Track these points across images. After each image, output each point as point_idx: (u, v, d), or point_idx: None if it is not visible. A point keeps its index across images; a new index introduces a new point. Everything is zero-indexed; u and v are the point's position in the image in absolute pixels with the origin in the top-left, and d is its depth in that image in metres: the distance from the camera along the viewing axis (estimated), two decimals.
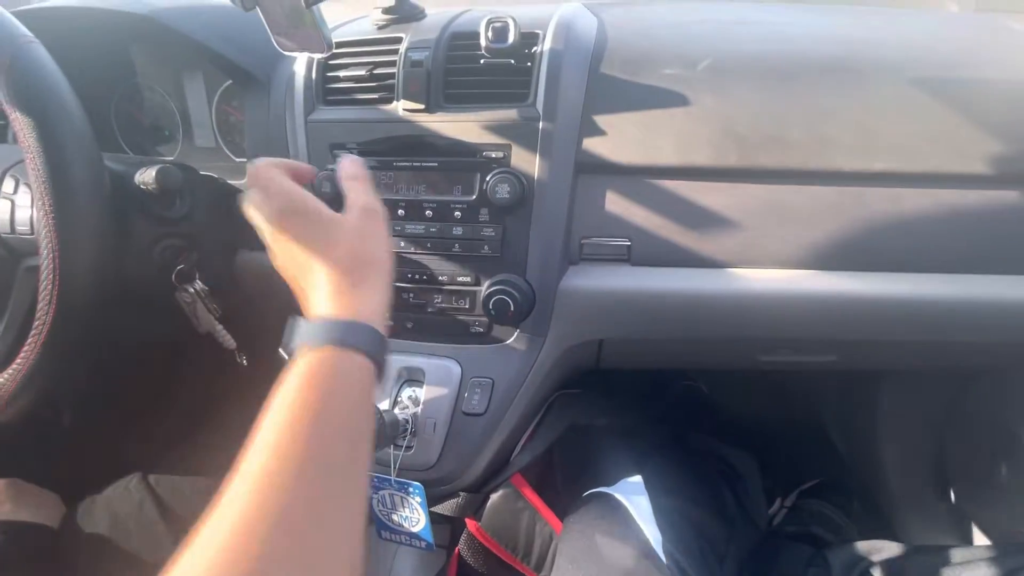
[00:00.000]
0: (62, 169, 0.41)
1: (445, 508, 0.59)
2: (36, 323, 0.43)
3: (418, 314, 0.58)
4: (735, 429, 0.87)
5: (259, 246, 0.66)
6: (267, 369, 0.72)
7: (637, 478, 0.55)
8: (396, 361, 0.58)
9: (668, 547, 0.47)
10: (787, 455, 0.95)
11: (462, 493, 0.59)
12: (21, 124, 0.40)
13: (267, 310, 0.69)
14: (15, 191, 0.47)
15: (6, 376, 0.45)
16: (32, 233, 0.47)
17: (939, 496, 0.82)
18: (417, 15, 0.59)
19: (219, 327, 0.63)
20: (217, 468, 0.59)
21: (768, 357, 0.64)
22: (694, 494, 0.60)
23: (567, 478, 0.61)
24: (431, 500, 0.58)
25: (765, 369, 0.69)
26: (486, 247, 0.54)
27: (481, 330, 0.57)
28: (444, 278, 0.56)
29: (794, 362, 0.67)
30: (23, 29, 0.43)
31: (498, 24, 0.51)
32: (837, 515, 0.83)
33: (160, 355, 0.90)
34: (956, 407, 0.81)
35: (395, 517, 0.59)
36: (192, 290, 0.59)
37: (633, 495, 0.53)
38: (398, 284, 0.57)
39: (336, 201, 0.55)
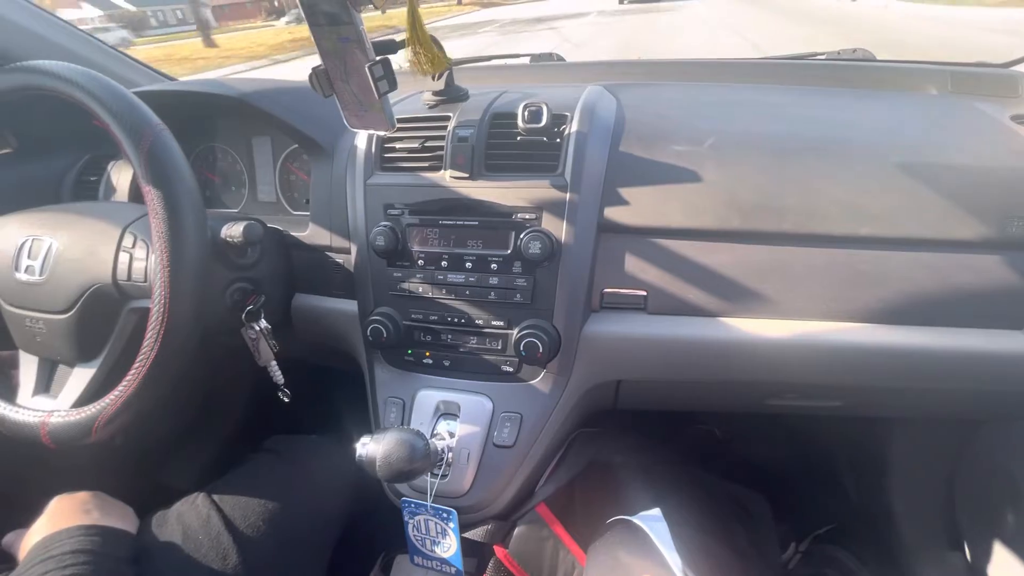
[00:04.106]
0: (180, 233, 0.50)
1: (475, 535, 0.64)
2: (140, 356, 0.51)
3: (455, 353, 0.65)
4: (748, 472, 0.90)
5: (312, 290, 0.75)
6: (307, 404, 0.79)
7: (656, 510, 0.59)
8: (434, 396, 0.65)
9: (687, 571, 0.51)
10: (801, 500, 0.97)
11: (491, 520, 0.64)
12: (153, 195, 0.49)
13: (316, 347, 0.77)
14: (133, 245, 0.56)
15: (108, 400, 0.52)
16: (144, 281, 0.55)
17: (950, 543, 0.83)
18: (463, 97, 0.69)
19: (274, 363, 0.70)
20: (266, 487, 0.65)
21: (775, 401, 0.69)
22: (708, 529, 0.64)
23: (588, 510, 0.66)
24: (462, 527, 0.62)
25: (772, 412, 0.73)
26: (518, 295, 0.61)
27: (511, 369, 0.63)
28: (480, 322, 0.63)
29: (800, 406, 0.72)
30: (155, 117, 0.53)
31: (533, 107, 0.60)
32: (850, 560, 0.85)
33: (209, 385, 0.97)
34: (963, 455, 0.83)
35: (428, 542, 0.64)
36: (257, 328, 0.66)
37: (653, 522, 0.57)
38: (439, 326, 0.64)
39: (387, 253, 0.64)
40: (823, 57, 0.92)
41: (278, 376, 0.70)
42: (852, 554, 0.87)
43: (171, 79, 0.96)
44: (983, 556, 0.77)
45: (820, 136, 0.63)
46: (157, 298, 0.50)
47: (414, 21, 0.56)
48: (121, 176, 0.83)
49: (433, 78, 0.68)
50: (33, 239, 0.60)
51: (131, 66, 0.93)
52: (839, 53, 0.92)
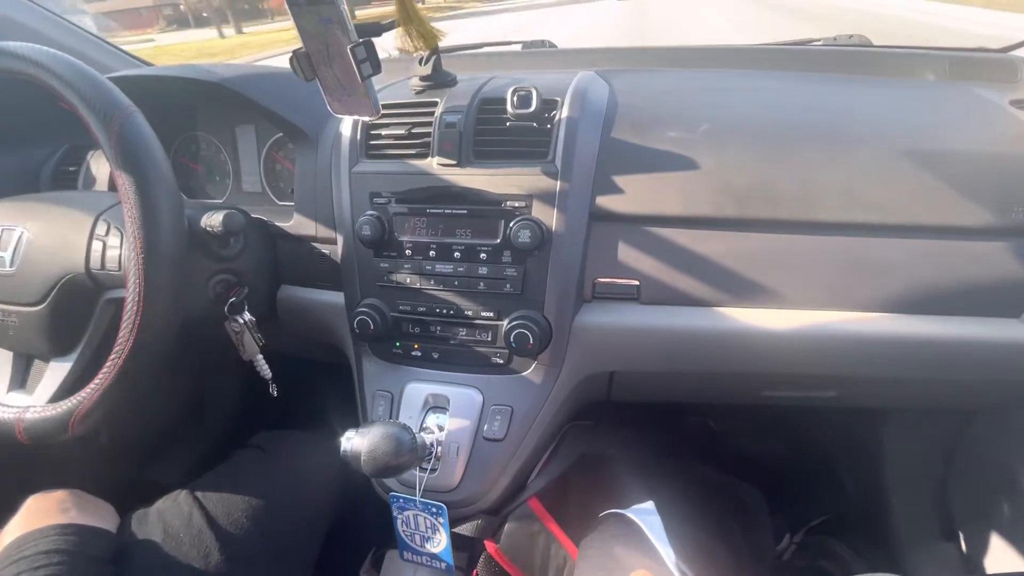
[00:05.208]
0: (154, 219, 0.48)
1: (465, 530, 0.63)
2: (116, 348, 0.49)
3: (444, 345, 0.63)
4: (743, 464, 0.89)
5: (298, 282, 0.73)
6: (293, 398, 0.78)
7: (649, 503, 0.58)
8: (423, 389, 0.63)
9: (680, 565, 0.50)
10: (796, 491, 0.97)
11: (481, 515, 0.62)
12: (124, 180, 0.47)
13: (302, 340, 0.75)
14: (107, 233, 0.54)
15: (83, 395, 0.51)
16: (119, 270, 0.53)
17: (945, 533, 0.83)
18: (450, 82, 0.67)
19: (260, 356, 0.68)
20: (250, 484, 0.64)
21: (770, 392, 0.68)
22: (702, 522, 0.63)
23: (581, 504, 0.65)
24: (452, 522, 0.61)
25: (768, 404, 0.73)
26: (508, 286, 0.60)
27: (501, 361, 0.62)
28: (469, 313, 0.61)
29: (796, 397, 0.71)
30: (126, 99, 0.51)
31: (523, 92, 0.58)
32: (845, 551, 0.85)
33: (195, 380, 0.96)
34: (958, 445, 0.83)
35: (417, 538, 0.63)
36: (241, 321, 0.65)
37: (646, 516, 0.56)
38: (427, 318, 0.63)
39: (373, 243, 0.62)
40: (820, 43, 0.90)
41: (265, 370, 0.69)
42: (847, 545, 0.87)
43: (150, 66, 0.94)
44: (978, 546, 0.77)
45: (816, 123, 0.62)
46: (131, 287, 0.48)
47: None
48: (100, 166, 0.81)
49: (420, 63, 0.67)
50: (3, 229, 0.57)
51: (109, 52, 0.90)
52: (836, 39, 0.90)
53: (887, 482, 0.88)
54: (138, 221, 0.47)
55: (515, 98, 0.58)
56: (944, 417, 0.83)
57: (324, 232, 0.68)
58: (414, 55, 0.66)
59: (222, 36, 18.28)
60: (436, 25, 0.66)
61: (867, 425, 0.91)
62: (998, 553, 0.74)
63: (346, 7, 0.50)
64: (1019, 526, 0.71)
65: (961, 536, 0.81)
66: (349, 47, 0.51)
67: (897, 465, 0.88)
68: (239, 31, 20.26)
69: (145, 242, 0.47)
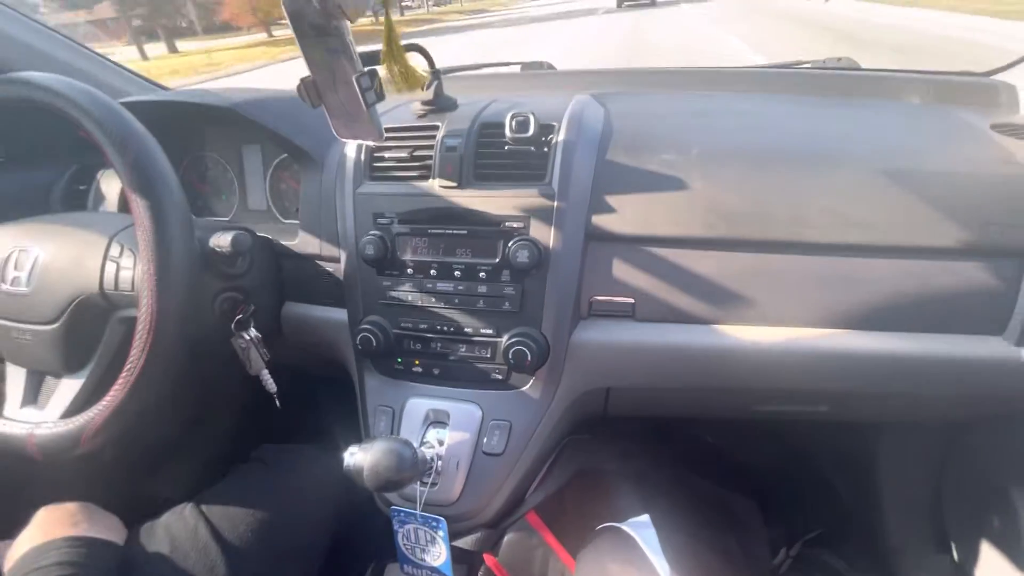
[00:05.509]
0: (167, 242, 0.50)
1: (464, 543, 0.64)
2: (128, 365, 0.51)
3: (444, 362, 0.65)
4: (739, 477, 0.90)
5: (302, 299, 0.75)
6: (299, 413, 0.79)
7: (645, 516, 0.60)
8: (424, 404, 0.65)
9: None
10: (791, 505, 0.98)
11: (480, 529, 0.64)
12: (139, 205, 0.49)
13: (306, 355, 0.77)
14: (120, 255, 0.56)
15: (95, 411, 0.52)
16: (132, 290, 0.55)
17: (939, 547, 0.84)
18: (451, 106, 0.69)
19: (265, 372, 0.70)
20: (254, 497, 0.65)
21: (761, 407, 0.70)
22: (698, 536, 0.64)
23: (578, 517, 0.66)
24: (452, 535, 0.62)
25: (760, 418, 0.74)
26: (507, 303, 0.61)
27: (500, 377, 0.63)
28: (469, 330, 0.63)
29: (787, 412, 0.72)
30: (141, 127, 0.53)
31: (521, 117, 0.61)
32: (841, 565, 0.86)
33: (201, 395, 0.97)
34: (950, 458, 0.84)
35: (418, 551, 0.64)
36: (248, 337, 0.66)
37: (642, 529, 0.57)
38: (428, 335, 0.65)
39: (376, 262, 0.64)
40: (808, 66, 0.93)
41: (270, 385, 0.70)
42: (842, 558, 0.88)
43: (164, 88, 0.97)
44: (970, 558, 0.77)
45: (805, 145, 0.64)
46: (143, 307, 0.50)
47: (390, 36, 0.57)
48: (110, 186, 0.83)
49: (422, 88, 0.69)
50: (19, 250, 0.59)
51: (122, 75, 0.93)
52: (824, 62, 0.93)
53: (881, 495, 0.89)
54: (152, 244, 0.49)
55: (513, 123, 0.60)
56: (936, 431, 0.85)
57: (328, 251, 0.70)
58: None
59: (144, 58, 16.85)
60: (419, 41, 0.69)
61: (861, 439, 0.93)
62: (991, 564, 0.75)
63: (352, 39, 0.52)
64: (1011, 538, 0.72)
65: (954, 548, 0.81)
66: (355, 76, 0.53)
67: (891, 478, 0.89)
68: (172, 50, 19.54)
69: (158, 264, 0.49)
